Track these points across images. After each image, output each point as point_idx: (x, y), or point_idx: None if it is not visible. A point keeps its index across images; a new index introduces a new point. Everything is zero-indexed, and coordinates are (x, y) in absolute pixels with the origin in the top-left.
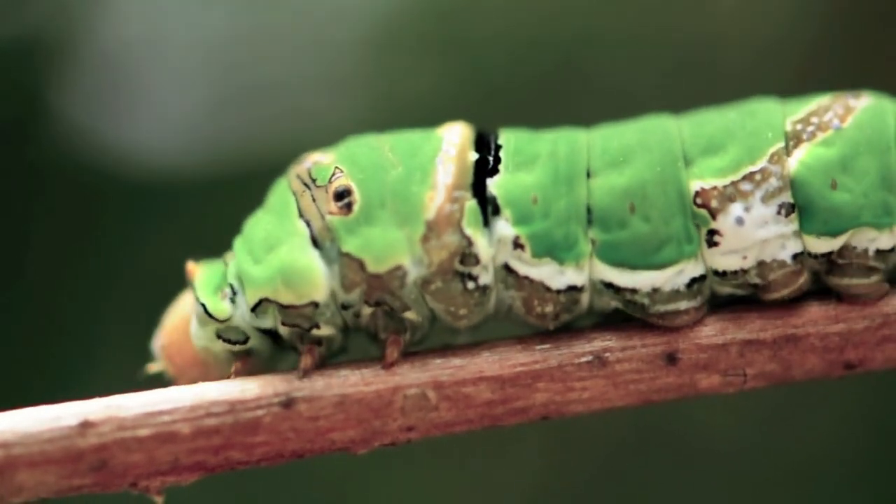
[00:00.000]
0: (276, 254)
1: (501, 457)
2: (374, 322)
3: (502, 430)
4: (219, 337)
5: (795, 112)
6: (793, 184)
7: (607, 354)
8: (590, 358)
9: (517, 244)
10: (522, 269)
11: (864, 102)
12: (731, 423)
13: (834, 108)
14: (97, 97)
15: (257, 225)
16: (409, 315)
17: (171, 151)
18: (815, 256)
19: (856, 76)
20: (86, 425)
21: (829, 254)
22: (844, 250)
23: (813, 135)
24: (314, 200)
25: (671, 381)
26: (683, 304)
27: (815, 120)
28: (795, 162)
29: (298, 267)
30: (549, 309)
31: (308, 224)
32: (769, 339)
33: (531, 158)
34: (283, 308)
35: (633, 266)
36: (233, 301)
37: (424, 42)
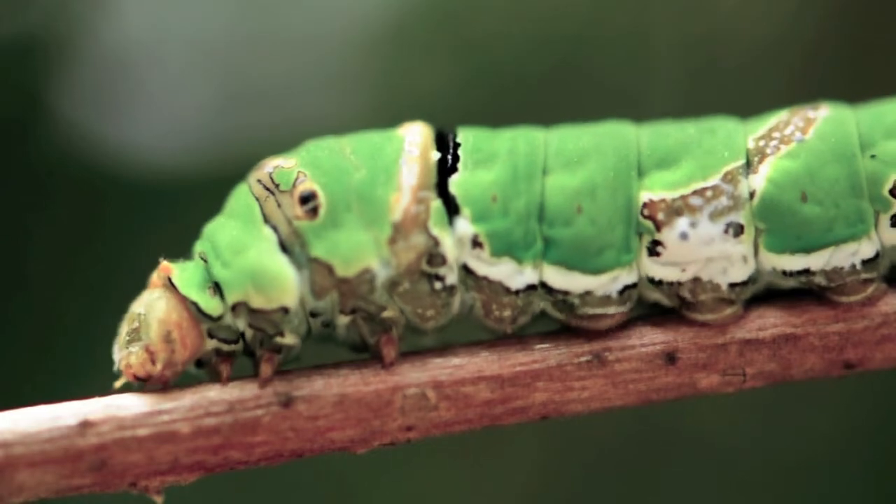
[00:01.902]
0: (244, 257)
1: (500, 456)
2: (355, 331)
3: (502, 429)
4: (210, 336)
5: (756, 130)
6: (762, 201)
7: (606, 354)
8: (589, 357)
9: (476, 243)
10: (481, 268)
11: (823, 113)
12: (732, 421)
13: (794, 122)
14: (97, 97)
15: (221, 229)
16: (388, 314)
17: (172, 151)
18: (792, 274)
19: (856, 76)
20: (85, 425)
21: (807, 272)
22: (833, 274)
23: (777, 148)
24: (279, 206)
25: (670, 381)
26: (612, 310)
27: (776, 135)
28: (763, 179)
29: (269, 271)
30: (506, 314)
31: (275, 229)
32: (768, 339)
33: (490, 156)
34: (253, 311)
35: (571, 267)
36: (222, 298)
37: (429, 42)
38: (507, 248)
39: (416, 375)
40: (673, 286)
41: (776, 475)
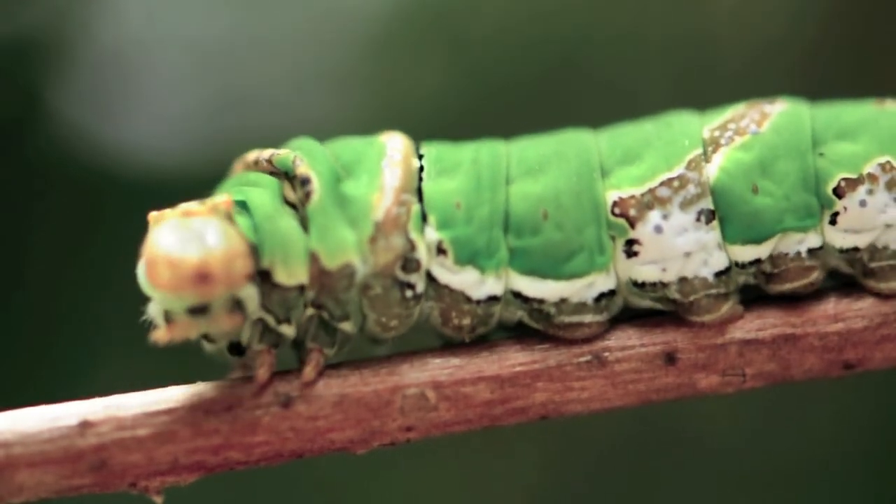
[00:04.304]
0: (276, 224)
1: (501, 457)
2: (305, 327)
3: (502, 430)
4: (250, 278)
5: (712, 121)
6: (714, 191)
7: (606, 354)
8: (589, 357)
9: (440, 249)
10: (444, 276)
11: (779, 107)
12: (732, 421)
13: (750, 115)
14: (96, 97)
15: (251, 192)
16: (345, 326)
17: (171, 151)
18: (743, 266)
19: (856, 76)
20: (85, 425)
21: (758, 262)
22: (778, 259)
23: (731, 139)
24: (294, 189)
25: (670, 381)
26: (588, 318)
27: (732, 126)
28: (716, 168)
29: (297, 244)
30: (465, 322)
31: (294, 208)
32: (768, 339)
33: (453, 166)
34: (271, 288)
35: (544, 275)
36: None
37: (425, 42)
38: (470, 255)
39: (415, 375)
40: (657, 288)
41: (776, 475)
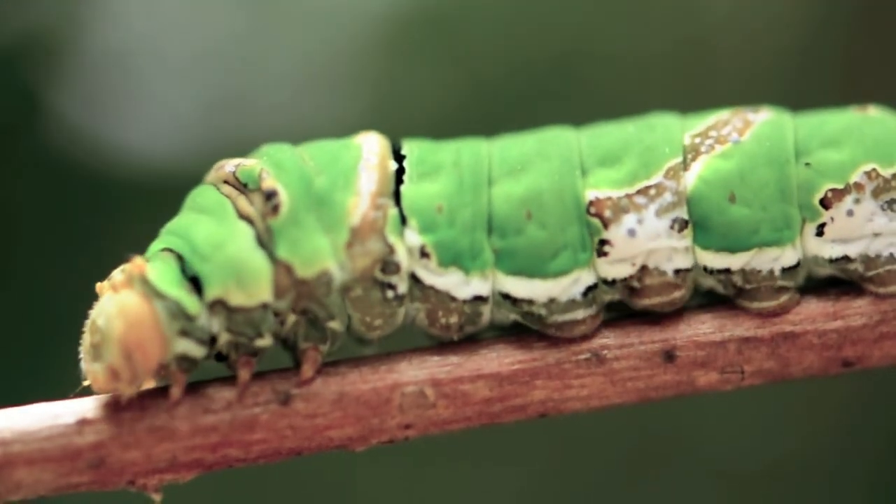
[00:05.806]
0: (224, 251)
1: (499, 455)
2: (294, 330)
3: (501, 427)
4: (185, 335)
5: (694, 126)
6: (691, 198)
7: (605, 352)
8: (588, 355)
9: (423, 253)
10: (428, 278)
11: (762, 116)
12: (731, 422)
13: (733, 122)
14: (96, 97)
15: (195, 224)
16: (333, 325)
17: (170, 152)
18: (712, 272)
19: (854, 80)
20: (83, 423)
21: (727, 271)
22: (750, 275)
23: (711, 147)
24: (251, 203)
25: (669, 379)
26: (580, 314)
27: (713, 133)
28: (694, 176)
29: (250, 265)
30: (453, 320)
31: (251, 224)
32: (767, 337)
33: (435, 168)
34: (232, 312)
35: (530, 274)
36: (199, 296)
37: (423, 45)
38: (453, 258)
39: (414, 373)
40: (626, 281)
41: (775, 477)
